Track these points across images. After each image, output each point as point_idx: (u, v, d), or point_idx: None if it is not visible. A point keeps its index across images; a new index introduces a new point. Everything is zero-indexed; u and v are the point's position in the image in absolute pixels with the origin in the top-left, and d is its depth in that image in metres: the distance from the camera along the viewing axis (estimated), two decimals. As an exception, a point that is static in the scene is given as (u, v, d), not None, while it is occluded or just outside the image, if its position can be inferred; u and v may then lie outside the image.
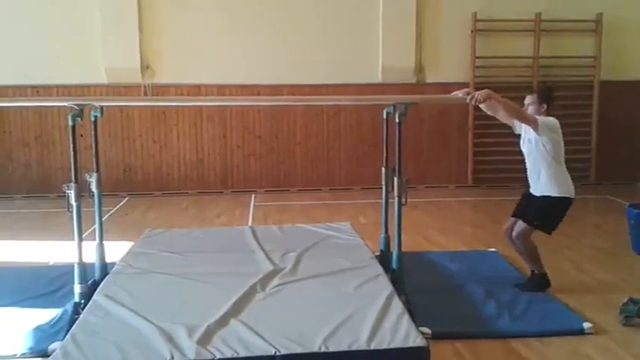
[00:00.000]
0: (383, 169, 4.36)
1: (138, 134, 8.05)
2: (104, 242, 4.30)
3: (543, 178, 4.19)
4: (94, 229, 4.32)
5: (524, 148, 4.35)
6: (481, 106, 4.19)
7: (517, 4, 8.12)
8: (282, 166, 8.30)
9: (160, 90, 7.92)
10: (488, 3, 8.10)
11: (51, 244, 5.51)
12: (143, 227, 5.73)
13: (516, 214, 4.37)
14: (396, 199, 3.95)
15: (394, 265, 4.01)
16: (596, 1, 8.20)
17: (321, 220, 5.99)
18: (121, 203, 7.51)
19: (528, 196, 4.34)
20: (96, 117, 4.18)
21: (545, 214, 4.21)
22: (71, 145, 3.73)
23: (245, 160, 8.25)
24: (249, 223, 6.41)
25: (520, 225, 4.24)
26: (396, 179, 3.96)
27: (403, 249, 4.03)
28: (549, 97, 4.34)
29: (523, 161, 4.36)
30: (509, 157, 8.22)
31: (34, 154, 7.96)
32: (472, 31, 8.11)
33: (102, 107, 4.19)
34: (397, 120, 3.98)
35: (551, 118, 4.20)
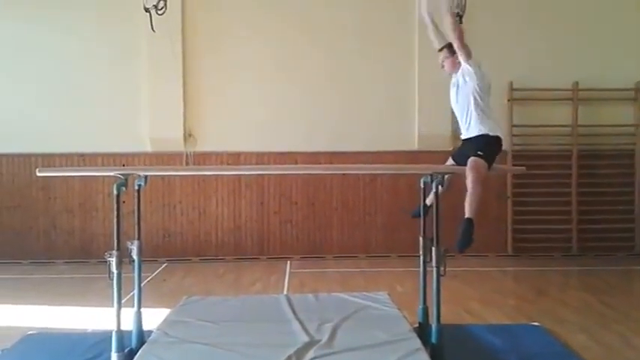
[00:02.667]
0: (420, 238, 4.32)
1: (178, 201, 8.22)
2: (142, 309, 4.32)
3: (474, 121, 4.38)
4: (133, 295, 4.36)
5: (453, 94, 4.54)
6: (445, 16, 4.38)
7: (553, 73, 8.16)
8: (318, 232, 8.31)
9: (201, 157, 8.13)
10: (524, 72, 8.16)
11: (90, 310, 5.56)
12: (180, 294, 5.76)
13: (455, 159, 4.52)
14: (435, 269, 3.88)
15: (433, 339, 3.89)
16: (635, 70, 8.19)
17: (358, 289, 5.92)
18: (160, 269, 7.58)
19: (462, 143, 4.50)
20: (140, 186, 4.29)
21: (485, 146, 4.34)
22: (115, 214, 3.82)
23: (282, 227, 8.30)
24: (285, 291, 6.37)
25: (469, 161, 4.28)
26: (434, 249, 3.91)
27: (442, 321, 3.93)
28: None
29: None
30: (550, 225, 8.14)
31: (77, 220, 8.17)
32: (509, 100, 8.15)
33: (146, 176, 4.31)
34: (434, 190, 3.97)
35: (476, 63, 4.42)
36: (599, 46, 8.21)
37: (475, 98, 4.41)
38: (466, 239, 4.25)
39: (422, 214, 4.26)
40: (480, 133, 4.42)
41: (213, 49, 8.13)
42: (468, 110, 4.44)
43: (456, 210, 8.30)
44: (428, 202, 4.39)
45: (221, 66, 8.13)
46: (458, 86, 4.52)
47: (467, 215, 4.34)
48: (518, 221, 8.20)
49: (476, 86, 4.38)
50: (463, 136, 4.56)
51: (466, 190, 4.32)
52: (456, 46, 4.41)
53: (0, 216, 8.11)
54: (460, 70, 4.48)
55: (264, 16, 8.15)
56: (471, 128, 4.45)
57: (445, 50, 4.57)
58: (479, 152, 4.32)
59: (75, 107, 8.10)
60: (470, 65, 4.40)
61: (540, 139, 8.22)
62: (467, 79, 4.43)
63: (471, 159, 4.31)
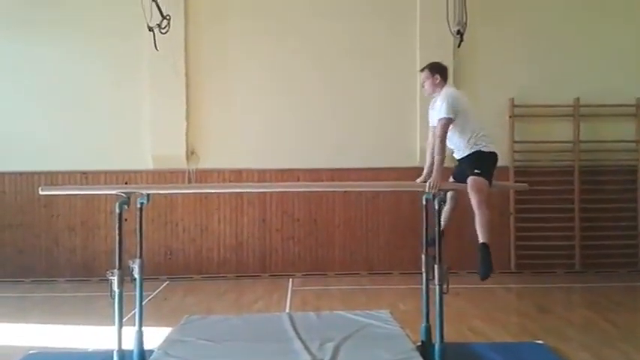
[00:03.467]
0: (423, 255, 4.31)
1: (180, 218, 8.22)
2: (143, 328, 4.31)
3: (464, 142, 4.36)
4: (134, 314, 4.34)
5: (431, 116, 4.52)
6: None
7: (555, 89, 8.18)
8: (320, 249, 8.29)
9: (203, 175, 8.14)
10: (525, 89, 8.19)
11: (91, 329, 5.53)
12: (182, 312, 5.75)
13: (455, 178, 4.48)
14: (437, 287, 3.88)
15: (437, 357, 3.88)
16: (636, 86, 8.21)
17: (360, 306, 5.89)
18: (161, 287, 7.56)
19: (459, 163, 4.49)
20: (142, 204, 4.30)
21: (481, 162, 4.30)
22: (117, 232, 3.83)
23: (284, 244, 8.28)
24: (287, 309, 6.35)
25: (468, 181, 4.26)
26: (436, 267, 3.90)
27: (445, 339, 3.91)
28: (440, 67, 4.51)
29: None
30: (553, 242, 8.11)
31: (79, 238, 8.16)
32: (510, 117, 8.17)
33: (148, 195, 4.32)
34: (436, 207, 3.97)
35: (450, 94, 4.37)
36: (599, 62, 8.25)
37: (462, 128, 4.36)
38: (486, 266, 4.21)
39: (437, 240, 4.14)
40: (473, 150, 4.38)
41: (215, 68, 8.18)
42: (458, 138, 4.41)
43: (459, 227, 8.28)
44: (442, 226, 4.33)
45: (223, 84, 8.18)
46: (434, 108, 4.47)
47: (481, 240, 4.30)
48: (521, 237, 8.18)
49: (460, 121, 4.35)
50: (457, 156, 4.53)
51: (470, 208, 4.30)
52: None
53: (3, 234, 8.11)
54: (440, 94, 4.44)
55: (266, 36, 8.21)
56: (461, 148, 4.42)
57: (426, 70, 4.54)
58: (476, 170, 4.28)
59: (78, 125, 8.14)
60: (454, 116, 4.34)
61: (542, 156, 8.23)
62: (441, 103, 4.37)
63: (470, 179, 4.27)
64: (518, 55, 8.23)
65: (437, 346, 3.89)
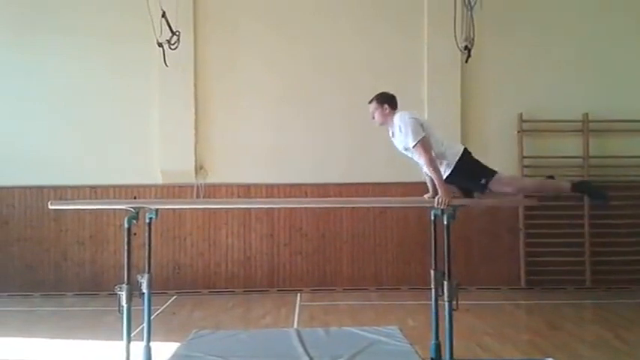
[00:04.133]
0: (432, 271, 4.29)
1: (189, 232, 8.22)
2: (151, 343, 4.30)
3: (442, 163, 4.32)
4: (142, 328, 4.34)
5: (396, 143, 4.53)
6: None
7: (563, 105, 8.17)
8: (328, 264, 8.26)
9: (212, 190, 8.16)
10: (533, 104, 8.18)
11: (99, 344, 5.52)
12: (190, 327, 5.74)
13: (467, 194, 4.44)
14: (447, 304, 3.85)
15: (446, 374, 3.84)
16: (645, 101, 8.20)
17: (369, 322, 5.86)
18: (170, 301, 7.55)
19: (451, 182, 4.37)
20: (151, 219, 4.32)
21: (471, 171, 4.28)
22: (125, 247, 3.84)
23: (292, 259, 8.26)
24: (295, 324, 6.31)
25: (491, 185, 4.27)
26: (446, 283, 3.88)
27: (455, 356, 3.88)
28: (387, 97, 4.50)
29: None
30: (563, 257, 8.05)
31: (88, 252, 8.18)
32: (518, 132, 8.16)
33: (157, 209, 4.34)
34: (445, 223, 3.96)
35: (405, 117, 4.35)
36: (608, 78, 8.24)
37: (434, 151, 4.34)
38: (599, 194, 4.29)
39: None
40: (451, 168, 4.32)
41: (224, 83, 8.23)
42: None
43: (469, 243, 8.28)
44: None
45: (232, 99, 8.23)
46: (395, 135, 4.46)
47: (570, 186, 4.34)
48: (531, 253, 8.12)
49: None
50: (445, 177, 4.46)
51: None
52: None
53: (12, 248, 8.15)
54: (394, 122, 4.41)
55: (276, 51, 8.26)
56: (445, 168, 4.37)
57: (374, 102, 4.52)
58: (481, 182, 4.27)
59: (87, 140, 8.19)
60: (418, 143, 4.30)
61: (551, 171, 8.09)
62: (402, 129, 4.34)
63: (487, 193, 4.29)
64: (527, 70, 8.23)
65: (446, 364, 3.86)
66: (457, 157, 4.32)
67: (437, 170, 4.21)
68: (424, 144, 4.23)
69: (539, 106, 8.20)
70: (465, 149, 4.39)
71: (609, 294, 7.77)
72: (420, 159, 4.32)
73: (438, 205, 4.10)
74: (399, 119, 4.36)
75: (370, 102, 4.55)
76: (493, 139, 8.26)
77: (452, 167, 4.31)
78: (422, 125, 4.31)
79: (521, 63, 8.24)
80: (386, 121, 4.47)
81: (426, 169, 4.32)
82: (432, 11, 8.05)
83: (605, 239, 8.10)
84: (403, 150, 4.46)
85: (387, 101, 4.49)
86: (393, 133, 4.49)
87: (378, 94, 4.58)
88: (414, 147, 4.25)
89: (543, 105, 8.20)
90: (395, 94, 4.59)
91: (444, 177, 4.28)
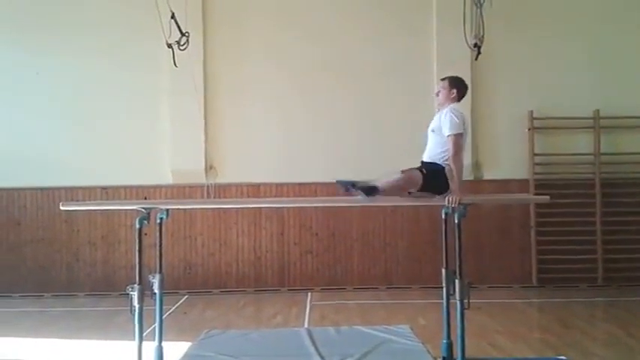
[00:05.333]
0: (443, 270, 4.27)
1: (199, 232, 8.25)
2: (163, 343, 4.32)
3: (435, 153, 4.38)
4: (154, 328, 4.35)
5: (433, 122, 4.53)
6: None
7: (574, 101, 8.12)
8: (339, 263, 8.25)
9: (222, 189, 8.18)
10: (544, 101, 8.13)
11: (111, 344, 5.55)
12: (201, 327, 5.76)
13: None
14: (458, 303, 3.83)
15: (458, 373, 3.83)
16: (657, 97, 8.12)
17: (379, 321, 5.84)
18: (181, 301, 7.57)
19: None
20: (161, 219, 4.33)
21: (434, 174, 4.28)
22: (137, 248, 3.85)
23: (302, 258, 8.26)
24: (306, 324, 6.31)
25: (409, 170, 4.29)
26: (457, 282, 3.86)
27: (467, 355, 3.86)
28: (460, 83, 4.51)
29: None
30: (575, 255, 8.00)
31: (99, 253, 8.23)
32: (529, 129, 8.11)
33: (168, 210, 4.35)
34: (457, 221, 3.94)
35: (460, 111, 4.38)
36: (619, 74, 8.18)
37: (444, 145, 4.37)
38: (364, 190, 4.25)
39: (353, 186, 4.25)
40: (440, 164, 4.36)
41: (234, 83, 8.25)
42: (434, 147, 4.44)
43: (480, 241, 8.24)
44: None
45: (241, 99, 8.24)
46: (439, 119, 4.47)
47: (377, 185, 4.28)
48: (543, 251, 8.07)
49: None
50: (424, 158, 4.52)
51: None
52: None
53: (24, 249, 8.21)
54: (447, 108, 4.42)
55: (285, 51, 8.27)
56: (430, 155, 4.45)
57: (447, 81, 4.55)
58: (423, 170, 4.32)
59: (97, 141, 8.23)
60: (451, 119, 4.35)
61: (562, 168, 8.14)
62: (447, 115, 4.36)
63: (414, 169, 4.32)
64: (537, 66, 8.18)
65: (458, 363, 3.84)
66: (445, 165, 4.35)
67: (459, 167, 4.23)
68: (457, 139, 4.27)
69: (549, 103, 8.14)
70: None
71: (621, 292, 7.71)
72: (445, 148, 4.33)
73: (449, 203, 4.08)
74: (452, 109, 4.39)
75: (443, 79, 4.58)
76: (504, 137, 8.23)
77: (444, 166, 4.33)
78: (464, 124, 4.35)
79: (532, 60, 8.20)
80: (445, 103, 4.47)
81: (450, 161, 4.29)
82: (442, 8, 8.02)
83: (617, 237, 8.04)
84: (430, 130, 4.49)
85: (458, 87, 4.52)
86: (439, 115, 4.48)
87: (454, 76, 4.61)
88: (447, 136, 4.29)
89: (554, 102, 8.14)
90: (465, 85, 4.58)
91: (431, 161, 4.39)
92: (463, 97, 4.56)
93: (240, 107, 8.26)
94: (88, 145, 8.24)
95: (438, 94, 4.56)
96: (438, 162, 4.37)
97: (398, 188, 4.35)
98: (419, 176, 4.27)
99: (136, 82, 8.23)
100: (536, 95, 8.15)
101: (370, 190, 4.24)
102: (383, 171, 4.50)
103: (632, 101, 8.11)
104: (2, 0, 8.33)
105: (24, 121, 8.25)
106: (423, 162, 4.50)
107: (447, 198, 4.14)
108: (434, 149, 4.45)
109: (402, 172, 4.31)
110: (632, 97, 8.12)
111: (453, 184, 4.17)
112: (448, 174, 4.27)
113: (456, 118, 4.30)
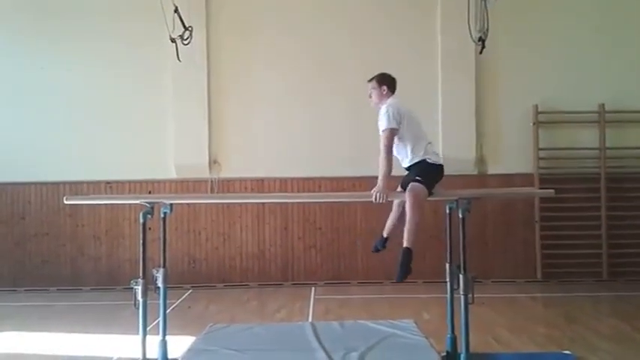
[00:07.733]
0: (447, 264, 4.27)
1: (203, 227, 8.25)
2: (167, 337, 4.32)
3: (408, 151, 4.28)
4: (158, 322, 4.36)
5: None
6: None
7: (579, 95, 8.07)
8: (342, 257, 8.25)
9: (226, 184, 8.18)
10: (549, 95, 8.10)
11: (115, 338, 5.56)
12: (205, 321, 5.77)
13: (402, 186, 4.36)
14: (462, 297, 3.83)
15: (462, 368, 3.82)
16: (662, 91, 8.08)
17: (383, 316, 5.84)
18: (185, 295, 7.59)
19: (407, 172, 4.38)
20: (165, 213, 4.33)
21: (423, 171, 4.21)
22: (141, 242, 3.86)
23: (306, 252, 8.27)
24: (310, 318, 6.32)
25: (408, 186, 4.20)
26: (461, 276, 3.85)
27: (471, 350, 3.85)
28: (386, 78, 4.48)
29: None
30: (580, 250, 7.97)
31: (104, 247, 8.25)
32: (534, 124, 8.07)
33: (172, 204, 4.35)
34: (461, 216, 3.93)
35: (392, 104, 4.32)
36: (624, 68, 8.13)
37: (407, 139, 4.34)
38: (404, 270, 4.05)
39: (382, 246, 4.32)
40: (418, 159, 4.32)
41: (237, 78, 8.24)
42: (404, 149, 4.36)
43: (484, 235, 8.22)
44: (385, 233, 4.49)
45: (245, 94, 8.23)
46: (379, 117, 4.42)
47: (405, 244, 4.15)
48: (547, 246, 8.05)
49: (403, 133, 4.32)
50: (404, 165, 4.46)
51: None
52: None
53: (29, 243, 8.23)
54: (384, 105, 4.38)
55: (289, 46, 8.24)
56: (407, 156, 4.37)
57: (374, 81, 4.50)
58: (417, 177, 4.23)
59: (102, 136, 8.24)
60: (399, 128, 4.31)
61: (567, 163, 8.11)
62: (382, 113, 4.34)
63: (411, 184, 4.21)
64: (542, 61, 8.14)
65: (462, 357, 3.84)
66: (433, 160, 4.33)
67: (389, 162, 4.20)
68: (388, 134, 4.22)
69: (554, 97, 8.11)
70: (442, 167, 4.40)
71: (626, 286, 7.68)
72: (408, 144, 4.32)
73: (375, 199, 4.06)
74: (388, 105, 4.36)
75: (370, 80, 4.54)
76: (508, 131, 8.19)
77: (418, 159, 4.32)
78: (401, 121, 4.28)
79: (536, 54, 8.15)
80: (381, 102, 4.44)
81: (380, 156, 4.26)
82: (445, 2, 7.98)
83: (622, 231, 8.02)
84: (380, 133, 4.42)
85: (387, 83, 4.48)
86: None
87: (379, 74, 4.57)
88: (381, 131, 4.26)
89: (559, 96, 8.11)
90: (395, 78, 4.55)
91: (411, 163, 4.33)
92: (395, 89, 4.51)
93: (244, 101, 8.24)
94: (92, 139, 8.24)
95: (370, 96, 4.50)
96: (416, 160, 4.33)
97: (419, 216, 4.23)
98: (420, 186, 4.20)
99: (140, 77, 8.23)
100: (540, 89, 8.11)
101: (407, 270, 4.12)
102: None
103: (637, 95, 8.06)
104: (6, -6, 8.35)
105: (28, 116, 8.26)
106: (407, 168, 4.42)
107: (372, 192, 4.10)
108: (402, 152, 4.39)
109: (408, 194, 4.18)
110: (637, 91, 8.08)
111: (381, 180, 4.12)
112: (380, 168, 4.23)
113: (390, 113, 4.24)
